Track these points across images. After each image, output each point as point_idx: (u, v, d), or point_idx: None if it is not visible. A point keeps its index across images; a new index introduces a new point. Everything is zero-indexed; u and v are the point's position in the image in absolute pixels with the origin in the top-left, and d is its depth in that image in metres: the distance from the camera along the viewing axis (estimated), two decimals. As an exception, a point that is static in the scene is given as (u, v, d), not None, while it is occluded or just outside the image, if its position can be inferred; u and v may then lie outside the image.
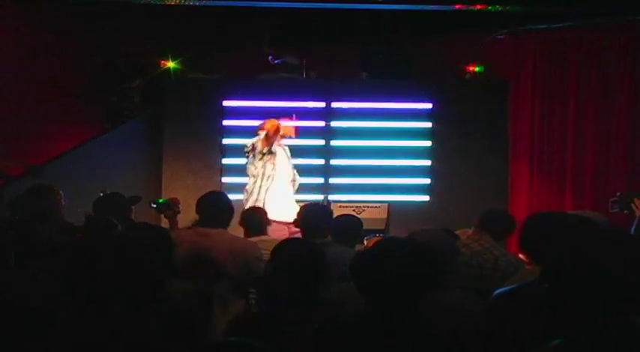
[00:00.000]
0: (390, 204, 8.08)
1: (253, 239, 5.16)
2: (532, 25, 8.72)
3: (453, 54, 9.00)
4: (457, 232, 5.29)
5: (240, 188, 8.61)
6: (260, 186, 7.16)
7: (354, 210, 7.28)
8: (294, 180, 7.46)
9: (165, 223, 5.90)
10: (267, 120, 7.30)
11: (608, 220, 4.06)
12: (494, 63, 8.97)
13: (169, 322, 2.63)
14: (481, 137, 8.71)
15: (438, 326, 2.81)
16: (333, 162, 8.87)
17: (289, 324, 2.98)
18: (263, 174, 7.19)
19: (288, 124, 7.39)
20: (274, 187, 7.19)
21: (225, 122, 8.87)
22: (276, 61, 9.00)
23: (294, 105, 8.48)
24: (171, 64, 9.02)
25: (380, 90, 8.91)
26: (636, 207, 5.28)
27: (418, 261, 2.78)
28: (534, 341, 2.16)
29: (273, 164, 7.18)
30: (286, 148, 7.46)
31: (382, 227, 7.56)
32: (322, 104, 8.87)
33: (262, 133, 7.26)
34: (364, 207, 7.70)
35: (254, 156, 7.22)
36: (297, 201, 7.08)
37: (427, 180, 8.86)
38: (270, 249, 3.33)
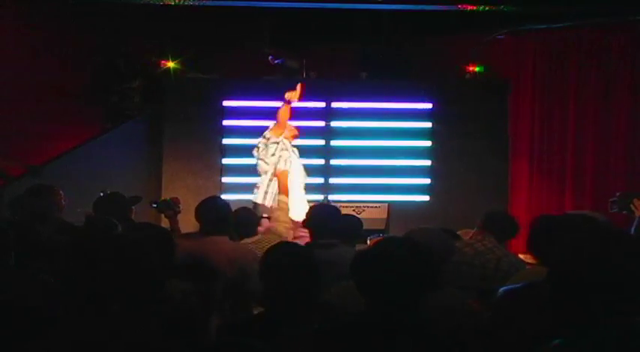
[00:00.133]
0: (390, 204, 8.09)
1: (247, 241, 5.13)
2: (532, 25, 8.72)
3: (453, 54, 9.00)
4: (459, 232, 5.30)
5: (240, 188, 8.63)
6: (270, 180, 7.08)
7: (354, 210, 7.29)
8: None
9: (165, 223, 5.90)
10: (282, 124, 7.21)
11: (608, 220, 4.06)
12: (494, 63, 8.97)
13: (169, 322, 2.63)
14: (481, 137, 8.72)
15: (438, 326, 2.81)
16: (333, 162, 8.88)
17: (288, 326, 2.99)
18: (275, 170, 7.09)
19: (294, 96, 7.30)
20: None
21: (225, 122, 8.87)
22: (276, 61, 9.00)
23: (294, 105, 8.46)
24: (171, 64, 9.02)
25: (380, 90, 8.91)
26: (635, 207, 5.28)
27: (418, 261, 2.78)
28: (538, 340, 2.16)
29: (285, 161, 7.08)
30: (295, 149, 7.38)
31: (382, 227, 7.57)
32: (322, 104, 8.87)
33: (271, 124, 7.21)
34: (364, 207, 7.70)
35: (266, 146, 7.09)
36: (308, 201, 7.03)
37: (427, 180, 8.86)
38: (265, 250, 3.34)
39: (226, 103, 8.88)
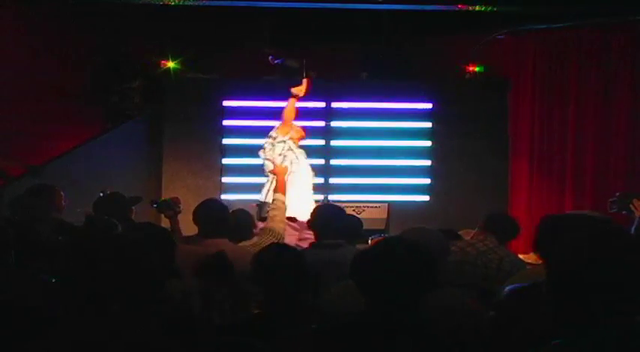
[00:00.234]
0: (390, 204, 8.08)
1: (245, 243, 5.12)
2: (532, 25, 8.72)
3: (453, 54, 8.99)
4: (460, 232, 5.32)
5: (240, 188, 8.63)
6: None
7: (354, 210, 7.28)
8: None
9: (165, 223, 5.90)
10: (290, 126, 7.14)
11: (609, 218, 4.06)
12: (494, 63, 8.97)
13: (169, 322, 2.63)
14: (481, 137, 8.72)
15: (438, 326, 2.81)
16: (333, 162, 8.87)
17: (287, 326, 2.99)
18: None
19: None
20: (291, 183, 6.99)
21: (225, 122, 8.87)
22: (276, 61, 8.98)
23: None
24: (171, 64, 9.01)
25: (380, 90, 8.91)
26: (635, 207, 5.29)
27: (418, 261, 2.79)
28: (542, 340, 2.16)
29: (291, 161, 6.99)
30: (302, 151, 7.32)
31: (382, 227, 7.57)
32: (322, 104, 8.87)
33: (277, 124, 7.15)
34: (364, 207, 7.70)
35: (273, 146, 7.01)
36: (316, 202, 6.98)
37: (427, 180, 8.86)
38: None
39: (226, 103, 8.88)
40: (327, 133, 8.90)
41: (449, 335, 2.81)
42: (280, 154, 6.93)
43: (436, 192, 8.81)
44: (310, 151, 8.52)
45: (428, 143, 8.88)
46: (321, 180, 8.70)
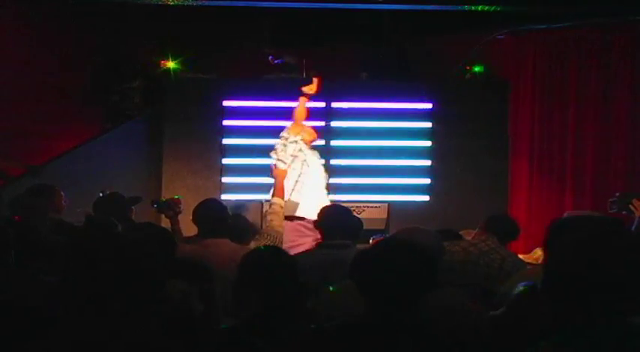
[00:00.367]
0: (390, 204, 8.09)
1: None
2: (532, 25, 8.71)
3: (453, 54, 8.99)
4: (461, 232, 5.33)
5: (240, 188, 8.64)
6: (297, 181, 6.92)
7: (354, 211, 7.26)
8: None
9: (165, 223, 5.90)
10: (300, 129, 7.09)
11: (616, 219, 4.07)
12: (495, 63, 8.96)
13: (169, 322, 2.63)
14: (481, 137, 8.71)
15: (437, 326, 2.81)
16: (333, 162, 8.86)
17: (287, 326, 2.99)
18: (293, 169, 6.96)
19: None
20: (302, 185, 6.93)
21: (225, 122, 8.87)
22: (276, 61, 9.00)
23: (294, 105, 8.45)
24: (171, 64, 9.01)
25: (380, 90, 8.90)
26: (635, 207, 5.29)
27: (418, 261, 2.79)
28: (541, 339, 2.16)
29: (302, 162, 6.92)
30: (315, 152, 7.27)
31: (382, 227, 7.58)
32: (322, 104, 8.87)
33: (288, 124, 7.09)
34: (364, 207, 7.71)
35: (285, 146, 6.94)
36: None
37: (427, 180, 8.85)
38: None
39: (226, 103, 8.87)
40: (327, 133, 8.88)
41: (449, 335, 2.81)
42: (292, 155, 6.89)
43: (436, 192, 8.81)
44: (310, 151, 8.56)
45: (428, 143, 8.87)
46: (333, 180, 8.68)
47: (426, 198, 8.83)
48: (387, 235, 6.42)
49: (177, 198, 5.86)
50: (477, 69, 8.87)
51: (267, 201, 6.56)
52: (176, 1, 8.11)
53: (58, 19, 8.85)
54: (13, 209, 5.67)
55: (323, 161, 7.25)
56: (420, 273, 2.76)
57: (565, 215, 4.79)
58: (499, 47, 8.92)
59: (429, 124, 8.86)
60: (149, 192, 8.15)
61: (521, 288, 3.05)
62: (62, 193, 6.35)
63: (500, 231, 4.92)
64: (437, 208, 8.62)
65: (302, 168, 6.81)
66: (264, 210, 6.80)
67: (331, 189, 8.59)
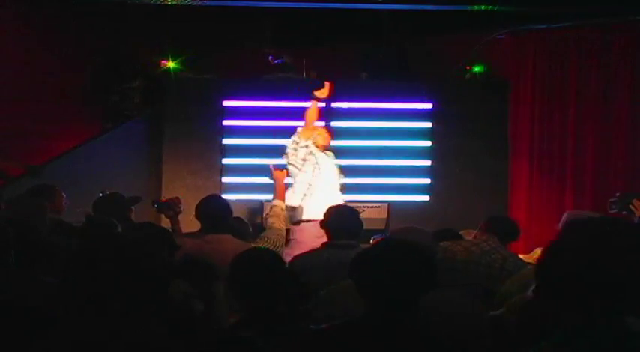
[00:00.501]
0: (390, 204, 8.09)
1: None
2: (532, 25, 8.71)
3: (453, 54, 8.99)
4: (461, 232, 5.33)
5: (240, 188, 8.64)
6: (310, 184, 6.90)
7: (354, 210, 7.25)
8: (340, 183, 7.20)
9: (165, 223, 5.90)
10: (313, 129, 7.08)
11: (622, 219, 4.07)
12: (495, 63, 8.97)
13: (170, 322, 2.63)
14: (481, 137, 8.71)
15: (437, 327, 2.81)
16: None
17: (287, 325, 2.99)
18: (305, 173, 6.89)
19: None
20: (314, 187, 6.88)
21: (225, 122, 8.87)
22: (276, 61, 9.00)
23: (294, 105, 8.47)
24: (171, 64, 9.01)
25: (380, 90, 8.91)
26: (635, 208, 5.29)
27: (418, 261, 2.79)
28: (540, 339, 2.16)
29: (313, 166, 6.88)
30: (329, 153, 7.25)
31: (382, 227, 7.57)
32: (322, 104, 8.86)
33: (299, 128, 7.05)
34: (364, 207, 7.69)
35: (296, 150, 6.91)
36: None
37: (427, 180, 8.86)
38: None
39: (226, 103, 8.88)
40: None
41: (448, 335, 2.81)
42: (302, 159, 6.88)
43: (436, 192, 8.81)
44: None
45: (428, 143, 8.87)
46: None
47: (426, 198, 8.83)
48: (388, 235, 6.42)
49: (177, 198, 5.86)
50: (476, 69, 8.87)
51: (268, 202, 6.57)
52: (176, 1, 8.11)
53: (58, 19, 8.85)
54: (13, 209, 5.67)
55: (338, 161, 7.25)
56: (420, 274, 2.76)
57: (565, 215, 4.81)
58: (499, 47, 8.92)
59: (428, 124, 8.87)
60: (149, 192, 8.16)
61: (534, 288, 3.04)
62: (63, 194, 6.35)
63: (501, 232, 4.94)
64: (437, 208, 8.62)
65: (314, 171, 6.83)
66: (264, 212, 6.79)
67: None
